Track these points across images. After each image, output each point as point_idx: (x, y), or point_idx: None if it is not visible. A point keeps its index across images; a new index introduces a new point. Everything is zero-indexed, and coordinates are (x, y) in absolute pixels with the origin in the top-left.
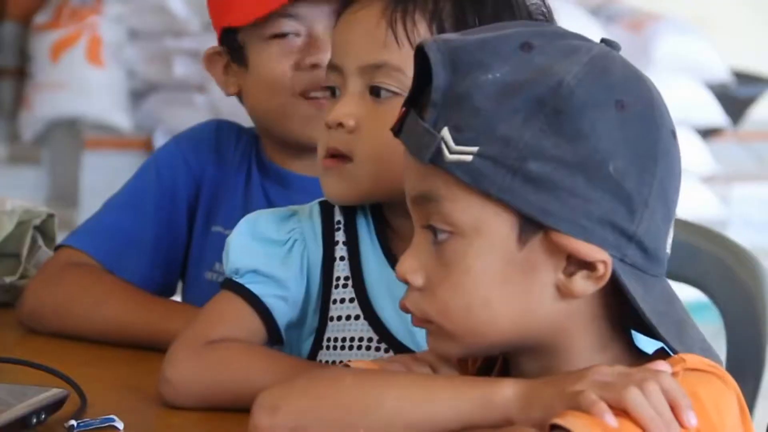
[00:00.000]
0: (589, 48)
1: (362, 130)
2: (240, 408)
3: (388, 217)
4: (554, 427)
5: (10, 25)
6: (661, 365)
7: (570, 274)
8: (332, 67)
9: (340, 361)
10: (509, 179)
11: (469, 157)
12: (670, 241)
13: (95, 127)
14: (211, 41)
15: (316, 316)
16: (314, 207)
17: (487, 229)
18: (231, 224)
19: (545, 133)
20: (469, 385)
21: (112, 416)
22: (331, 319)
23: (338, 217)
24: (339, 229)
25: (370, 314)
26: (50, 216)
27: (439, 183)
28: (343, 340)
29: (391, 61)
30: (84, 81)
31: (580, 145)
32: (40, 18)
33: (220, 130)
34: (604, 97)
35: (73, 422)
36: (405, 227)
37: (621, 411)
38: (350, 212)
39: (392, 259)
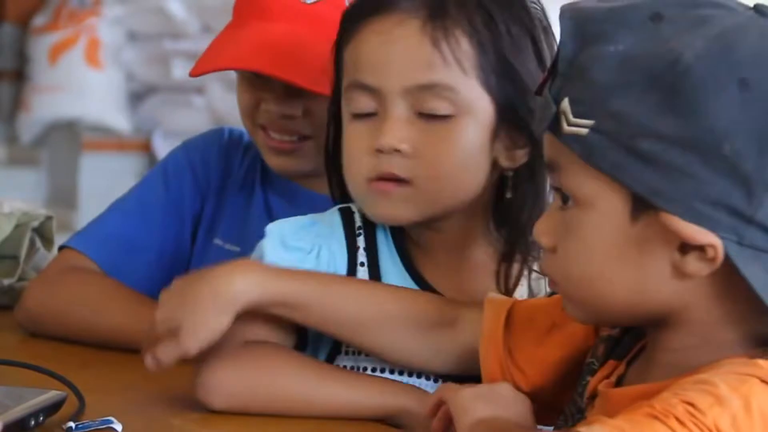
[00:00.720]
0: (721, 18)
1: (420, 155)
2: (272, 413)
3: (406, 226)
4: None
5: (8, 27)
6: None
7: (684, 254)
8: (366, 88)
9: (357, 367)
10: (621, 156)
11: (585, 131)
12: None
13: (94, 129)
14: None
15: None
16: (334, 213)
17: (600, 203)
18: (231, 238)
19: (660, 110)
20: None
21: (110, 418)
22: None
23: (358, 223)
24: (360, 234)
25: None
26: (48, 218)
27: (561, 153)
28: None
29: (441, 80)
30: (82, 83)
31: (694, 123)
32: (39, 20)
33: (230, 141)
34: (726, 75)
35: (72, 424)
36: (422, 235)
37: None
38: (369, 219)
39: (408, 264)
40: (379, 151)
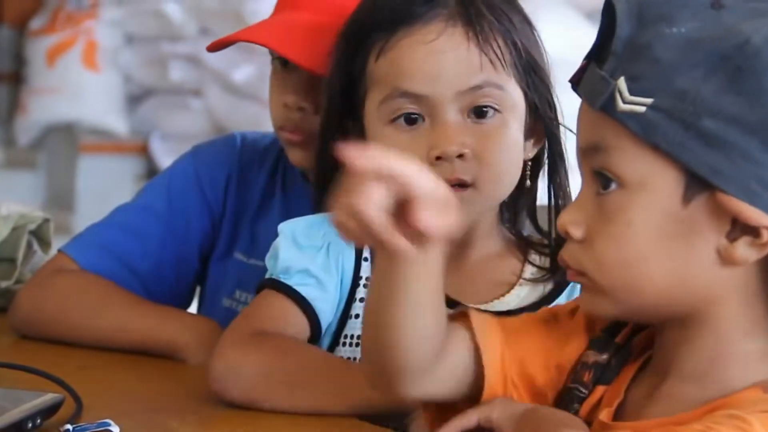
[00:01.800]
0: None
1: (479, 157)
2: (280, 410)
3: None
4: None
5: (5, 30)
6: None
7: (733, 239)
8: (413, 96)
9: (355, 358)
10: (681, 134)
11: (643, 108)
12: None
13: (91, 132)
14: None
15: (339, 313)
16: None
17: (652, 183)
18: (252, 252)
19: (725, 90)
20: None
21: (107, 420)
22: (350, 317)
23: None
24: None
25: None
26: (46, 220)
27: (610, 133)
28: (359, 337)
29: (491, 79)
30: (80, 85)
31: (758, 105)
32: (36, 23)
33: (244, 148)
34: None
35: (69, 426)
36: None
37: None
38: None
39: None
40: (440, 158)
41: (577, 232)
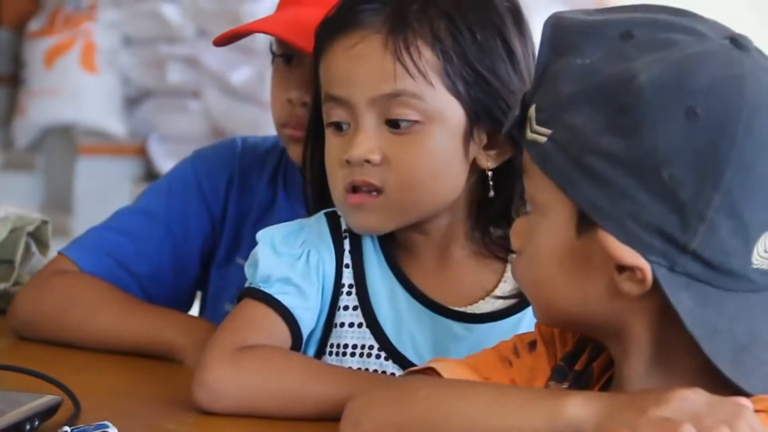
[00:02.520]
0: (688, 45)
1: (390, 163)
2: (275, 415)
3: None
4: None
5: (3, 32)
6: (744, 401)
7: (621, 272)
8: (336, 100)
9: (348, 367)
10: (570, 168)
11: (543, 139)
12: (760, 255)
13: (89, 134)
14: (205, 49)
15: (323, 321)
16: (320, 217)
17: (553, 212)
18: None
19: (607, 128)
20: (539, 397)
21: (105, 422)
22: (335, 325)
23: (344, 226)
24: (346, 237)
25: (372, 322)
26: (44, 222)
27: (526, 158)
28: (345, 346)
29: (406, 88)
30: (78, 87)
31: (636, 145)
32: (34, 24)
33: (245, 153)
34: (675, 102)
35: (67, 428)
36: (406, 236)
37: None
38: None
39: (395, 269)
40: (349, 162)
41: (516, 244)
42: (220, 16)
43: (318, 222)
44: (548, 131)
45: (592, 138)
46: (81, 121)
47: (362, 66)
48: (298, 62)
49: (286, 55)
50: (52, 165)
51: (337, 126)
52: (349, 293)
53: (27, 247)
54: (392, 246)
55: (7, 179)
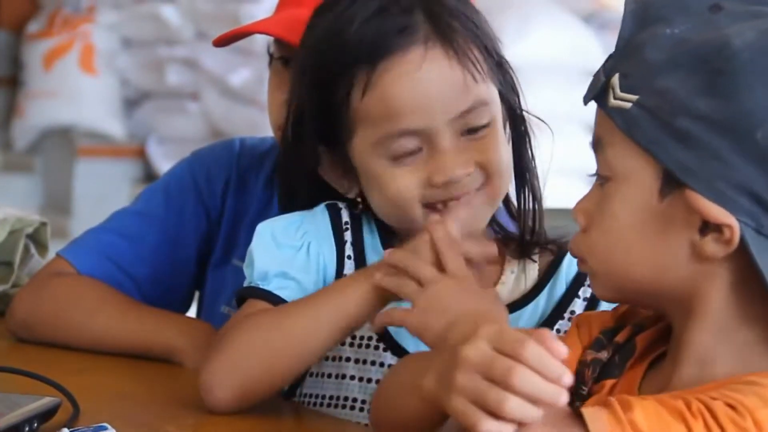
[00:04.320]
0: None
1: (484, 168)
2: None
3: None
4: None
5: (2, 34)
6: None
7: (704, 235)
8: (413, 132)
9: (340, 357)
10: (659, 131)
11: (628, 105)
12: None
13: (88, 136)
14: (204, 50)
15: None
16: (320, 208)
17: (634, 178)
18: None
19: (701, 91)
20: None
21: (104, 424)
22: None
23: (345, 218)
24: (347, 229)
25: None
26: (43, 224)
27: (606, 128)
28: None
29: (478, 97)
30: (77, 89)
31: (731, 107)
32: (33, 26)
33: (242, 153)
34: None
35: (66, 430)
36: (411, 232)
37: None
38: (356, 215)
39: None
40: (448, 183)
41: (581, 221)
42: (219, 17)
43: (320, 214)
44: (635, 97)
45: (685, 100)
46: (80, 122)
47: (435, 88)
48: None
49: (284, 58)
50: (51, 167)
51: (408, 154)
52: None
53: (26, 249)
54: (393, 239)
55: (6, 181)
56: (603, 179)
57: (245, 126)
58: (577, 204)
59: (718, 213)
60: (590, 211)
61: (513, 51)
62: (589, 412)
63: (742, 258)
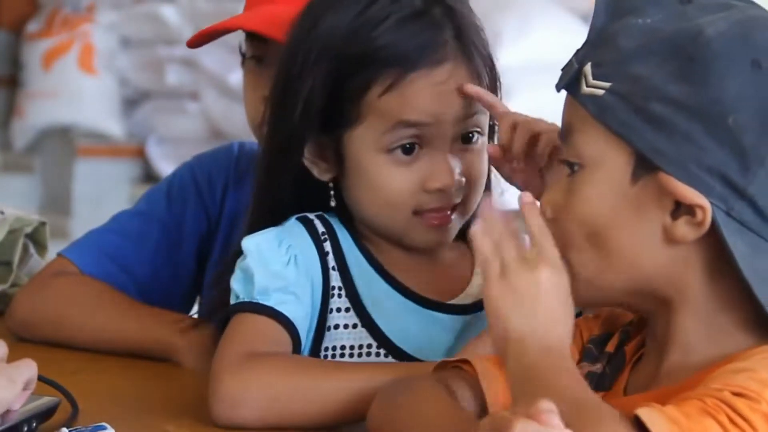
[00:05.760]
0: (744, 9)
1: (468, 178)
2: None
3: (360, 228)
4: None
5: (2, 34)
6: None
7: (675, 218)
8: (418, 125)
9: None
10: (632, 116)
11: (601, 92)
12: None
13: (88, 135)
14: (203, 50)
15: (314, 324)
16: (292, 222)
17: (605, 162)
18: None
19: (675, 77)
20: None
21: (103, 424)
22: (328, 328)
23: (321, 229)
24: (325, 240)
25: (367, 322)
26: (42, 224)
27: (576, 116)
28: (342, 348)
29: (479, 105)
30: (76, 89)
31: (704, 92)
32: (32, 26)
33: (241, 156)
34: (741, 54)
35: (65, 430)
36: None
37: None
38: (328, 224)
39: (376, 266)
40: (441, 190)
41: (547, 212)
42: (218, 17)
43: (296, 228)
44: (607, 84)
45: (658, 86)
46: (79, 122)
47: (453, 97)
48: (270, 62)
49: (256, 57)
50: (51, 167)
51: (404, 149)
52: (339, 295)
53: (25, 249)
54: (369, 245)
55: (6, 181)
56: (572, 168)
57: (245, 126)
58: (545, 196)
59: (691, 194)
60: (558, 200)
61: (513, 51)
62: (645, 412)
63: (714, 243)
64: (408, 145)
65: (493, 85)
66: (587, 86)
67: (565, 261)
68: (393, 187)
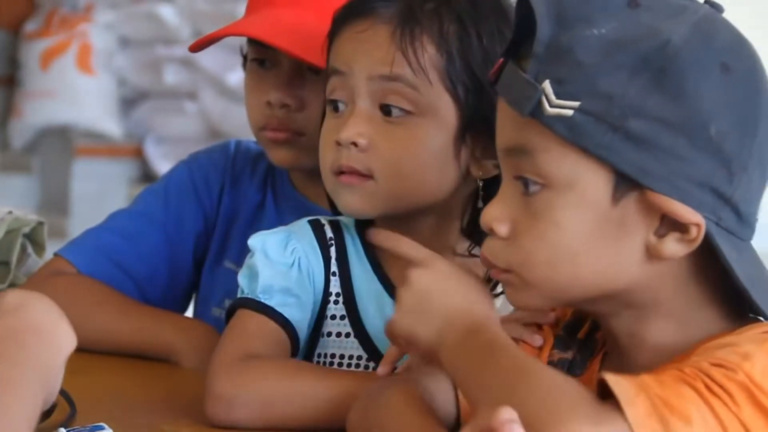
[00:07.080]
0: (696, 9)
1: (377, 149)
2: (292, 420)
3: (375, 220)
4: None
5: (0, 33)
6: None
7: (661, 236)
8: (337, 73)
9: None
10: (609, 136)
11: (570, 112)
12: (759, 205)
13: (86, 135)
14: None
15: (310, 330)
16: (303, 223)
17: (580, 184)
18: (242, 261)
19: (650, 91)
20: None
21: (101, 424)
22: (323, 334)
23: (329, 234)
24: (332, 245)
25: (360, 332)
26: (40, 224)
27: (536, 136)
28: (332, 356)
29: (404, 76)
30: (74, 89)
31: (683, 105)
32: (30, 26)
33: (237, 154)
34: (710, 59)
35: (63, 430)
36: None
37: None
38: (338, 229)
39: (381, 274)
40: (339, 144)
41: (502, 229)
42: (217, 17)
43: (304, 230)
44: (575, 103)
45: (634, 102)
46: (77, 122)
47: (365, 46)
48: (273, 65)
49: (258, 59)
50: (49, 166)
51: (335, 106)
52: (336, 302)
53: (23, 249)
54: (377, 252)
55: (3, 181)
56: (527, 185)
57: (243, 126)
58: (489, 211)
59: (685, 212)
60: (515, 218)
61: None
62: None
63: (696, 252)
64: (335, 102)
65: (463, 83)
66: (551, 106)
67: (521, 278)
68: (322, 138)
